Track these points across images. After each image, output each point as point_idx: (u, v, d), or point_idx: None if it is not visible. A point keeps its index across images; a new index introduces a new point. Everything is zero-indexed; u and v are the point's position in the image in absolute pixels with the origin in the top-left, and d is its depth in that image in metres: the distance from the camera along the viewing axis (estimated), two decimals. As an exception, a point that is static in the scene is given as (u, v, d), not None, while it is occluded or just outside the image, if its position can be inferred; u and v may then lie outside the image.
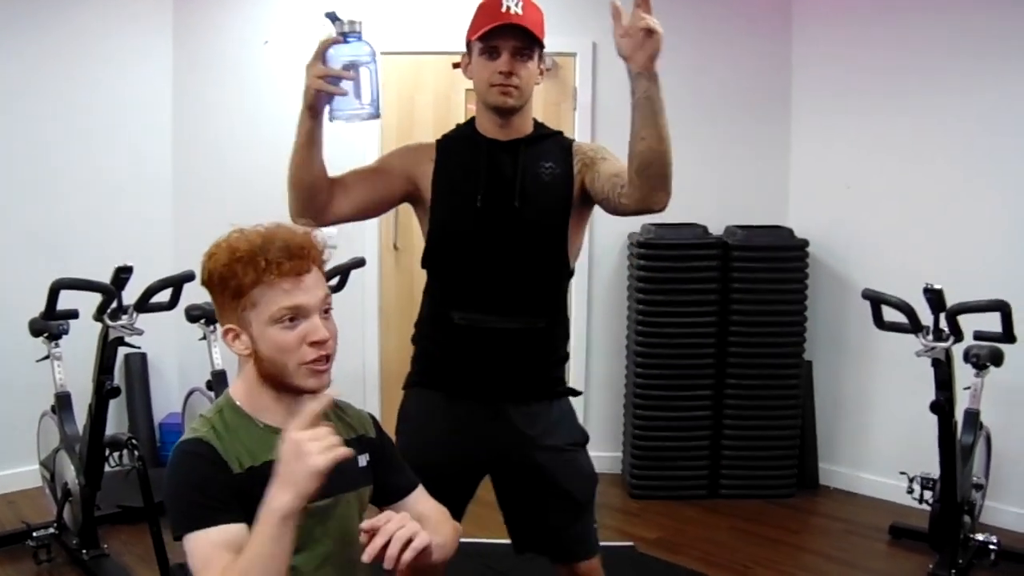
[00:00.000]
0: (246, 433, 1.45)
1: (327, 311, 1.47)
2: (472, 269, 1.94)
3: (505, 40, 1.88)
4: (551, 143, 2.02)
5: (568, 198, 1.97)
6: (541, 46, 1.93)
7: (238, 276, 1.40)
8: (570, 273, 2.06)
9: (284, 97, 4.32)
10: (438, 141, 2.03)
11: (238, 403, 1.48)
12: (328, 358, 1.46)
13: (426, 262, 2.00)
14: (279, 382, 1.46)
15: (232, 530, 1.35)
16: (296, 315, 1.41)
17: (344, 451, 1.30)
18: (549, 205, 1.95)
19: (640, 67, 1.67)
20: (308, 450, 1.27)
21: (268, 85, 4.33)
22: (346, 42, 1.72)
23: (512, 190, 1.93)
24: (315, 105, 1.76)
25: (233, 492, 1.37)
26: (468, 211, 1.92)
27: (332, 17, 1.74)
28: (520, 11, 1.87)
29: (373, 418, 1.66)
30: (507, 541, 2.13)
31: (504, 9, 1.87)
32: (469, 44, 1.95)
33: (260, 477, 1.37)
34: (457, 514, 2.01)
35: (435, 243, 1.97)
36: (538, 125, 2.04)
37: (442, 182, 1.95)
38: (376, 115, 1.75)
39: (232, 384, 1.52)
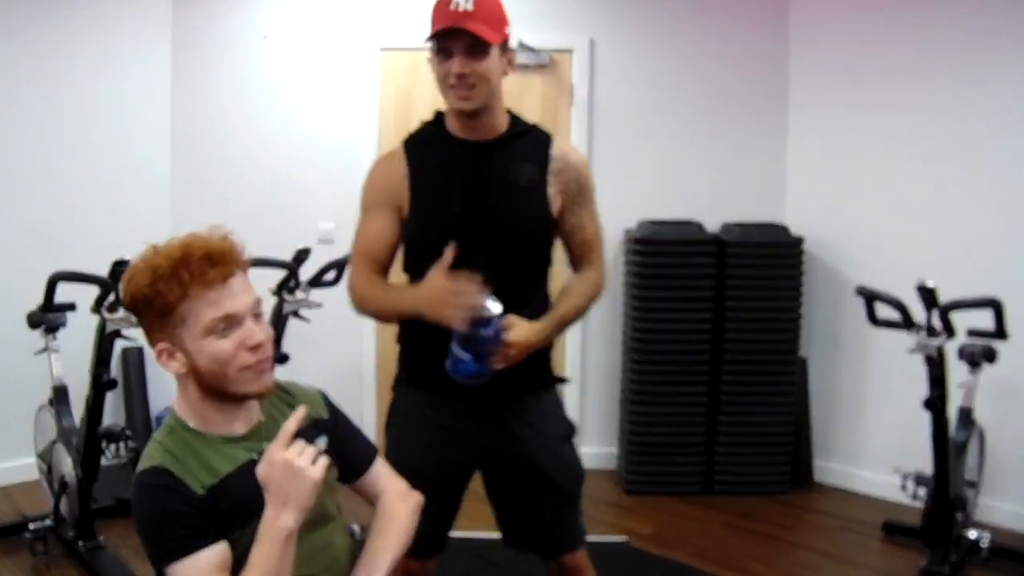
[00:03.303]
0: (202, 449, 1.44)
1: (258, 315, 1.45)
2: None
3: (456, 40, 1.78)
4: (526, 140, 1.92)
5: (544, 200, 1.91)
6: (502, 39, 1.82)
7: (163, 294, 1.38)
8: (552, 262, 2.02)
9: (282, 92, 4.37)
10: (405, 144, 1.94)
11: (186, 420, 1.46)
12: (268, 360, 1.45)
13: (407, 267, 1.95)
14: (222, 392, 1.44)
15: (218, 551, 1.36)
16: (229, 323, 1.40)
17: (325, 460, 1.34)
18: (526, 209, 1.89)
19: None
20: (301, 466, 1.31)
21: (266, 80, 4.34)
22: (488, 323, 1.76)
23: (487, 196, 1.86)
24: (435, 321, 1.75)
25: (203, 514, 1.37)
26: (445, 218, 1.85)
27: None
28: (471, 6, 1.75)
29: (323, 394, 1.65)
30: (498, 535, 2.14)
31: (453, 7, 1.76)
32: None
33: (223, 493, 1.39)
34: (452, 512, 2.03)
35: (415, 250, 1.91)
36: (514, 120, 1.95)
37: (418, 191, 1.87)
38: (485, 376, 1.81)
39: (175, 402, 1.50)
